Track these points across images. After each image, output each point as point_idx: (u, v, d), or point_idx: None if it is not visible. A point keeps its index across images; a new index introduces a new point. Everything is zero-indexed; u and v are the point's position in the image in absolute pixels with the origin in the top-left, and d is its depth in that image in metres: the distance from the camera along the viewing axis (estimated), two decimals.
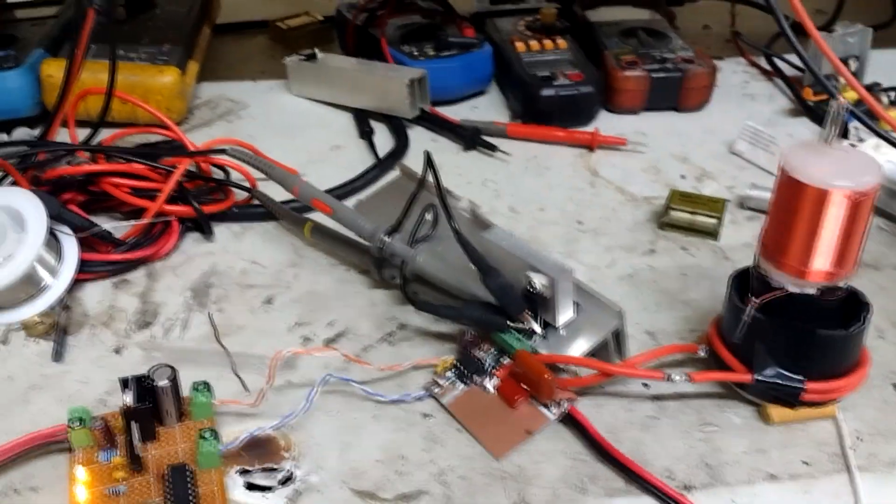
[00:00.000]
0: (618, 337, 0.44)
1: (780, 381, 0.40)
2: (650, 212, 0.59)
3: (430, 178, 0.48)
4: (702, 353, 0.43)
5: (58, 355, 0.44)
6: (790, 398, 0.41)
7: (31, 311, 0.46)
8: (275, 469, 0.39)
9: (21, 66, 0.63)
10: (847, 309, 0.41)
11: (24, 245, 0.45)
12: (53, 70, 0.62)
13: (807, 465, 0.40)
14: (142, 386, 0.38)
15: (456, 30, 0.74)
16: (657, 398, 0.43)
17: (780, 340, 0.40)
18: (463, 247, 0.41)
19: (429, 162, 0.45)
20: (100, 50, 0.63)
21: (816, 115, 0.71)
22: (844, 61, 0.68)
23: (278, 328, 0.48)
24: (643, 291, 0.51)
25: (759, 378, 0.40)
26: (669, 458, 0.40)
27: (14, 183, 0.52)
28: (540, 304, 0.43)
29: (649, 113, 0.71)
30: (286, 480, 0.39)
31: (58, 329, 0.46)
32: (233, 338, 0.47)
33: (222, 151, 0.53)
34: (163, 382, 0.37)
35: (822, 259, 0.39)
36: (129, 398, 0.37)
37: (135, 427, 0.36)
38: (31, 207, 0.47)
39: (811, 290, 0.39)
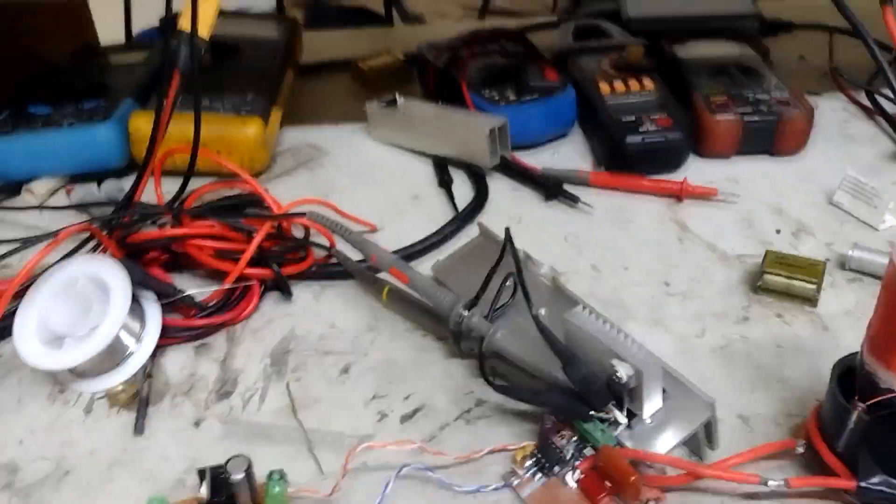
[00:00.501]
0: (708, 427, 0.42)
1: (888, 489, 0.37)
2: (743, 272, 0.56)
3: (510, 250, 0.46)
4: (800, 449, 0.40)
5: (139, 428, 0.45)
6: None
7: (114, 379, 0.47)
8: None
9: (110, 119, 0.64)
10: None
11: (108, 316, 0.46)
12: (142, 124, 0.63)
13: None
14: (218, 478, 0.37)
15: (538, 71, 0.72)
16: (751, 496, 0.41)
17: (889, 444, 0.37)
18: (543, 335, 0.40)
19: (508, 240, 0.43)
20: (186, 100, 0.64)
21: None
22: None
23: (355, 401, 0.47)
24: (736, 367, 0.49)
25: (864, 485, 0.37)
26: None
27: (102, 247, 0.53)
28: (625, 393, 0.41)
29: (741, 157, 0.68)
30: None
31: (140, 399, 0.46)
32: (309, 411, 0.46)
33: (302, 215, 0.53)
34: (238, 476, 0.37)
35: None
36: (204, 490, 0.37)
37: None
38: (114, 276, 0.47)
39: None
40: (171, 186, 0.61)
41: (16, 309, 0.47)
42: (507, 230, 0.45)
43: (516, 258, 0.43)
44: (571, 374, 0.40)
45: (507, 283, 0.49)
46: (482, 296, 0.47)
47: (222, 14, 0.57)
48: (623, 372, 0.40)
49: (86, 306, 0.46)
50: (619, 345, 0.40)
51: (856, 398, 0.37)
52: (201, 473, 0.38)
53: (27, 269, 0.47)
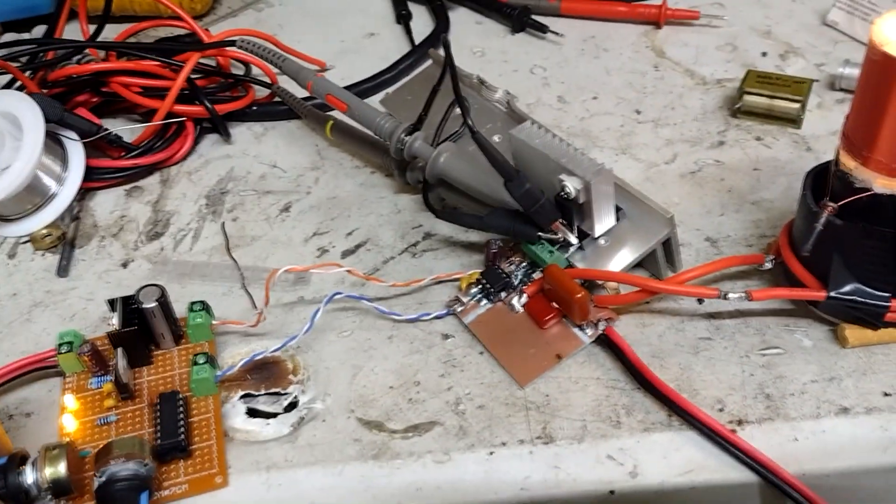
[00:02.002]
0: (668, 246, 0.38)
1: (861, 298, 0.34)
2: (722, 97, 0.51)
3: (460, 68, 0.42)
4: (768, 265, 0.37)
5: (63, 270, 0.42)
6: (872, 317, 0.35)
7: (38, 222, 0.44)
8: (280, 394, 0.36)
9: None
10: None
11: (21, 153, 0.42)
12: None
13: (888, 395, 0.34)
14: (129, 307, 0.35)
15: None
16: (713, 316, 0.38)
17: (862, 250, 0.34)
18: (481, 147, 0.36)
19: (445, 48, 0.38)
20: None
21: None
22: None
23: (295, 239, 0.44)
24: (707, 191, 0.45)
25: (835, 295, 0.34)
26: (722, 386, 0.35)
27: (21, 86, 0.49)
28: (576, 212, 0.37)
29: None
30: (291, 406, 0.35)
31: (65, 241, 0.43)
32: (245, 250, 0.43)
33: (231, 43, 0.49)
34: (150, 304, 0.34)
35: None
36: (115, 320, 0.34)
37: (120, 353, 0.34)
38: (27, 112, 0.43)
39: None
40: (107, 33, 0.56)
41: None
42: (444, 37, 0.40)
43: (451, 65, 0.38)
44: (514, 189, 0.36)
45: (456, 112, 0.45)
46: (425, 119, 0.43)
47: None
48: (571, 185, 0.36)
49: None
50: (567, 157, 0.36)
51: (825, 199, 0.33)
52: (111, 303, 0.35)
53: None
